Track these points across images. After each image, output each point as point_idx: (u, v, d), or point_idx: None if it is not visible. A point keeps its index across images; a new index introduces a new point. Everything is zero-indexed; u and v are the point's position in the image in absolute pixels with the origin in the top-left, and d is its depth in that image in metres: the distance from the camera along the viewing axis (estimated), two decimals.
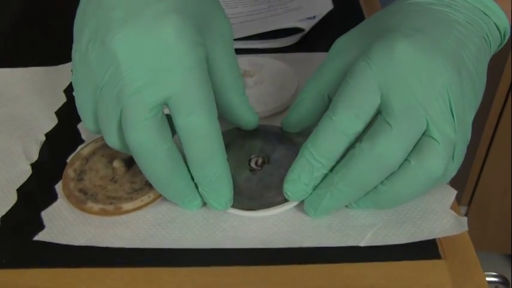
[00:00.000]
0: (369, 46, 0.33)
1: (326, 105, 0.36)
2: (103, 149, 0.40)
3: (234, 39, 0.38)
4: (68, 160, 0.40)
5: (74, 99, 0.35)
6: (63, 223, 0.36)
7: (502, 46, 0.38)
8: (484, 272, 0.33)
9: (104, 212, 0.36)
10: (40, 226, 0.36)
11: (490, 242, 1.15)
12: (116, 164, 0.38)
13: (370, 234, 0.34)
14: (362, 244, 0.34)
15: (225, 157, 0.34)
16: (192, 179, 0.35)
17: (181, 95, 0.32)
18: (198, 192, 0.35)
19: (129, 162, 0.38)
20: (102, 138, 0.40)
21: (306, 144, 0.34)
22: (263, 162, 0.38)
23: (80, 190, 0.37)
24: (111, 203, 0.36)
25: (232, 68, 0.37)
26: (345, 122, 0.32)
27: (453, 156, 0.33)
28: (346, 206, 0.36)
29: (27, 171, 0.40)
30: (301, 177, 0.34)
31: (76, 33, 0.35)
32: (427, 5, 0.35)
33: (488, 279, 0.33)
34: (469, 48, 0.34)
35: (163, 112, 0.33)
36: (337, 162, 0.33)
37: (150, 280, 0.33)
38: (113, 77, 0.32)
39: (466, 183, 1.09)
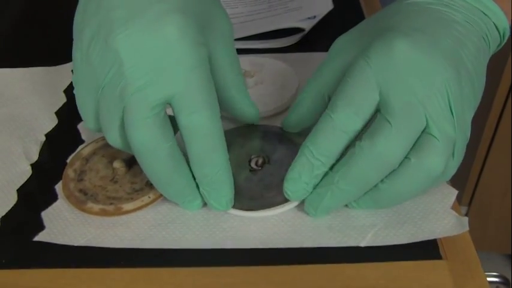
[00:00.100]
0: (368, 45, 0.33)
1: (326, 105, 0.36)
2: (103, 149, 0.40)
3: (235, 39, 0.38)
4: (68, 160, 0.40)
5: (74, 99, 0.35)
6: (63, 223, 0.36)
7: (501, 46, 0.38)
8: (485, 272, 0.33)
9: (104, 213, 0.36)
10: (40, 226, 0.36)
11: (490, 242, 1.15)
12: (116, 164, 0.38)
13: (370, 235, 0.34)
14: (363, 244, 0.34)
15: (227, 157, 0.34)
16: (194, 179, 0.35)
17: (184, 94, 0.32)
18: (199, 192, 0.35)
19: (130, 163, 0.38)
20: (102, 139, 0.40)
21: (305, 143, 0.34)
22: (263, 162, 0.38)
23: (80, 190, 0.37)
24: (111, 204, 0.36)
25: (234, 66, 0.37)
26: (344, 120, 0.33)
27: (453, 154, 0.33)
28: (346, 206, 0.36)
29: (27, 172, 0.40)
30: (301, 175, 0.34)
31: (76, 32, 0.35)
32: (426, 4, 0.35)
33: (489, 279, 0.33)
34: (468, 48, 0.34)
35: (165, 111, 0.33)
36: (337, 160, 0.33)
37: (151, 280, 0.33)
38: (115, 76, 0.32)
39: (466, 183, 1.09)
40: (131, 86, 0.32)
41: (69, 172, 0.38)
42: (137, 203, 0.36)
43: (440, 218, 0.35)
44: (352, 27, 0.39)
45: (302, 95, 0.38)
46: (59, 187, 0.38)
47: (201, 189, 0.35)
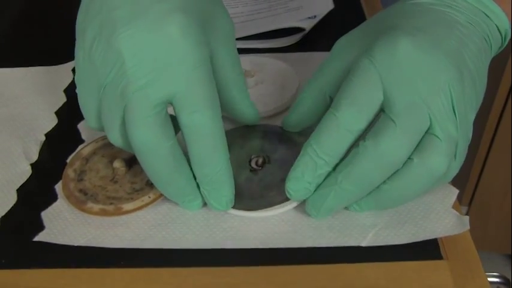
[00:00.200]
0: (372, 44, 0.33)
1: (327, 104, 0.36)
2: (103, 149, 0.40)
3: (235, 39, 0.38)
4: (68, 160, 0.40)
5: (74, 99, 0.35)
6: (63, 223, 0.36)
7: (502, 48, 0.38)
8: (485, 272, 0.33)
9: (104, 213, 0.35)
10: (40, 226, 0.35)
11: (490, 242, 1.15)
12: (116, 164, 0.38)
13: (371, 235, 0.34)
14: (363, 244, 0.34)
15: (228, 156, 0.34)
16: (194, 178, 0.35)
17: (186, 93, 0.32)
18: (199, 192, 0.35)
19: (130, 163, 0.38)
20: (102, 138, 0.40)
21: (309, 142, 0.34)
22: (264, 162, 0.38)
23: (80, 190, 0.37)
24: (111, 204, 0.36)
25: (235, 65, 0.37)
26: (349, 118, 0.32)
27: (455, 155, 0.33)
28: (346, 208, 0.35)
29: (27, 172, 0.40)
30: (304, 175, 0.33)
31: (79, 32, 0.35)
32: (428, 5, 0.35)
33: (489, 279, 0.33)
34: (470, 49, 0.34)
35: (167, 110, 0.33)
36: (340, 160, 0.33)
37: (151, 280, 0.33)
38: (117, 75, 0.32)
39: (467, 183, 1.09)
40: (133, 84, 0.32)
41: (69, 172, 0.38)
42: (137, 203, 0.36)
43: (441, 217, 0.35)
44: (352, 27, 0.39)
45: (303, 95, 0.38)
46: (58, 187, 0.38)
47: (201, 189, 0.35)
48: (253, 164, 0.38)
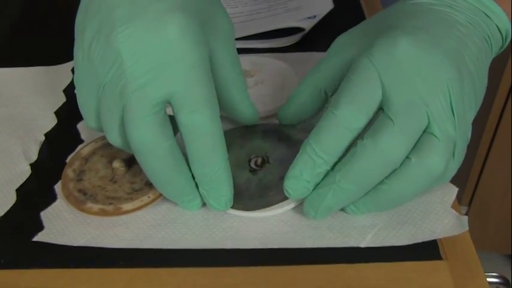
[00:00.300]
0: (371, 43, 0.33)
1: (323, 99, 0.37)
2: (103, 149, 0.40)
3: (234, 39, 0.38)
4: (68, 160, 0.40)
5: (73, 99, 0.35)
6: (63, 224, 0.36)
7: (503, 49, 0.38)
8: (485, 272, 0.33)
9: (103, 213, 0.35)
10: (39, 226, 0.35)
11: (490, 242, 1.14)
12: (116, 164, 0.38)
13: (370, 235, 0.34)
14: (363, 245, 0.34)
15: (226, 156, 0.34)
16: (193, 178, 0.35)
17: (184, 92, 0.32)
18: (199, 192, 0.35)
19: (129, 163, 0.38)
20: (101, 138, 0.40)
21: (308, 140, 0.34)
22: (263, 162, 0.38)
23: (79, 190, 0.37)
24: (110, 204, 0.36)
25: (235, 65, 0.37)
26: (348, 117, 0.32)
27: (453, 155, 0.33)
28: (342, 210, 0.35)
29: (27, 172, 0.40)
30: (303, 173, 0.33)
31: (78, 32, 0.35)
32: (428, 5, 0.35)
33: (489, 279, 0.33)
34: (470, 48, 0.34)
35: (165, 110, 0.33)
36: (339, 159, 0.33)
37: (150, 281, 0.33)
38: (116, 74, 0.32)
39: (467, 183, 1.09)
40: (132, 84, 0.32)
41: (69, 172, 0.38)
42: (136, 203, 0.36)
43: (441, 217, 0.35)
44: (352, 26, 0.39)
45: (299, 88, 0.38)
46: (58, 187, 0.38)
47: (200, 188, 0.35)
48: (252, 164, 0.38)
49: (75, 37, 0.35)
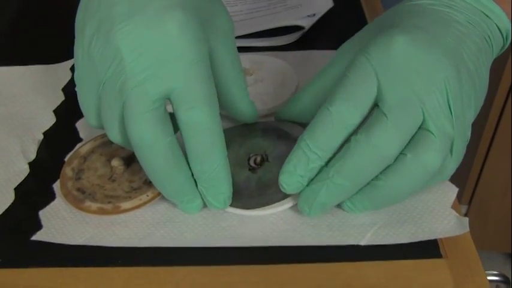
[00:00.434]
0: (369, 42, 0.33)
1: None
2: (101, 147, 0.40)
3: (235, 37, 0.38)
4: (66, 159, 0.40)
5: (72, 97, 0.35)
6: (61, 223, 0.36)
7: (504, 49, 0.38)
8: (485, 270, 0.33)
9: (102, 211, 0.35)
10: (38, 225, 0.35)
11: (490, 241, 1.14)
12: (115, 162, 0.38)
13: (370, 234, 0.34)
14: (362, 243, 0.34)
15: (225, 153, 0.34)
16: (193, 178, 0.35)
17: (184, 88, 0.32)
18: (199, 193, 0.35)
19: (128, 161, 0.38)
20: (100, 137, 0.40)
21: (302, 136, 0.34)
22: (262, 160, 0.38)
23: (78, 189, 0.37)
24: (109, 202, 0.36)
25: (235, 63, 0.38)
26: (342, 113, 0.32)
27: (451, 153, 0.33)
28: (338, 205, 0.35)
29: (25, 170, 0.39)
30: (296, 168, 0.33)
31: (78, 30, 0.35)
32: (428, 5, 0.36)
33: (489, 278, 0.33)
34: (469, 47, 0.34)
35: (165, 107, 0.33)
36: (334, 155, 0.33)
37: (149, 279, 0.32)
38: (116, 71, 0.32)
39: (467, 182, 1.09)
40: (131, 80, 0.32)
41: (67, 171, 0.38)
42: (135, 202, 0.36)
43: (441, 217, 0.35)
44: (352, 25, 0.39)
45: (299, 94, 0.39)
46: (56, 186, 0.38)
47: (199, 186, 0.35)
48: (251, 163, 0.38)
49: (75, 35, 0.35)
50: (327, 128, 0.33)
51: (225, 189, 0.34)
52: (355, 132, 0.33)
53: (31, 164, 0.40)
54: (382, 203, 0.34)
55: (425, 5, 0.36)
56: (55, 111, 0.45)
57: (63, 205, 0.37)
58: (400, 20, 0.35)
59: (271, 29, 0.52)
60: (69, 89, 0.47)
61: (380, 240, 0.34)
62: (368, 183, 0.33)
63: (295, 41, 0.52)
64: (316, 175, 0.34)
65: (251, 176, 0.37)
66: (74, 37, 0.35)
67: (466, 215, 0.35)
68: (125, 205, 0.36)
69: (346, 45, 0.38)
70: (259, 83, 0.46)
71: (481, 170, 1.07)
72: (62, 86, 0.47)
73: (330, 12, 0.54)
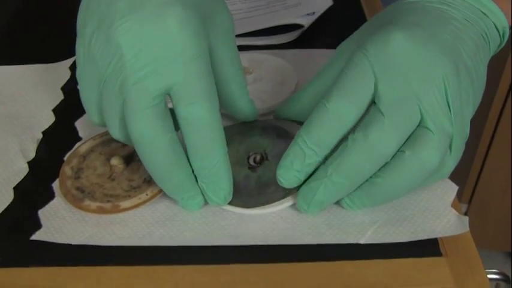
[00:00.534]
0: (366, 39, 0.33)
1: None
2: (101, 146, 0.39)
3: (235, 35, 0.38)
4: (65, 158, 0.39)
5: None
6: (61, 222, 0.36)
7: (501, 47, 0.38)
8: (485, 269, 0.33)
9: (101, 210, 0.35)
10: (37, 225, 0.35)
11: (490, 240, 1.14)
12: (114, 161, 0.38)
13: (370, 232, 0.34)
14: (362, 242, 0.34)
15: (226, 149, 0.34)
16: (194, 174, 0.34)
17: (183, 84, 0.32)
18: (200, 190, 0.35)
19: (127, 160, 0.38)
20: (100, 136, 0.40)
21: (299, 132, 0.34)
22: (262, 159, 0.38)
23: (77, 188, 0.37)
24: (108, 201, 0.36)
25: (235, 61, 0.38)
26: (339, 110, 0.32)
27: (450, 150, 0.33)
28: (338, 203, 0.35)
29: (24, 169, 0.39)
30: (293, 164, 0.34)
31: (79, 28, 0.35)
32: (425, 3, 0.36)
33: (489, 276, 0.33)
34: (467, 44, 0.34)
35: (166, 103, 0.33)
36: (331, 153, 0.33)
37: (148, 278, 0.32)
38: (116, 68, 0.32)
39: (467, 181, 1.09)
40: (131, 77, 0.32)
41: (66, 170, 0.38)
42: (135, 201, 0.36)
43: (441, 216, 0.35)
44: (351, 23, 0.39)
45: (299, 94, 0.39)
46: (56, 185, 0.38)
47: (199, 182, 0.34)
48: (251, 161, 0.38)
49: (77, 35, 0.35)
50: (324, 125, 0.33)
51: (225, 185, 0.34)
52: (352, 130, 0.33)
53: (30, 163, 0.40)
54: (381, 200, 0.34)
55: (423, 2, 0.36)
56: (54, 110, 0.45)
57: (62, 204, 0.37)
58: (398, 17, 0.35)
59: (270, 28, 0.52)
60: (69, 88, 0.47)
61: (380, 239, 0.34)
62: (367, 180, 0.33)
63: (295, 40, 0.52)
64: (314, 172, 0.34)
65: (250, 175, 0.37)
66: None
67: (466, 213, 0.35)
68: (124, 204, 0.35)
69: (344, 44, 0.38)
70: (258, 82, 0.45)
71: (481, 169, 1.07)
72: (61, 85, 0.47)
73: (329, 10, 0.54)
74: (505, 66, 0.92)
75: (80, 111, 0.44)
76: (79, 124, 0.43)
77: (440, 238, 0.34)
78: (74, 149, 0.40)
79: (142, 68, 0.32)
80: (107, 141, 0.40)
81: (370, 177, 0.33)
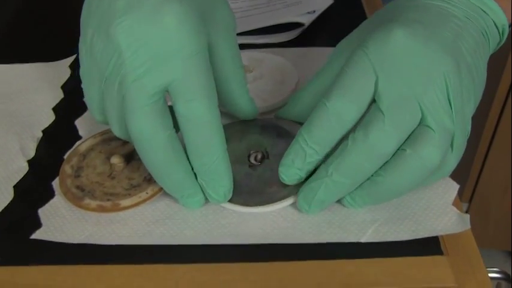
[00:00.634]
0: (367, 37, 0.33)
1: None
2: (101, 145, 0.39)
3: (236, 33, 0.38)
4: (65, 156, 0.39)
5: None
6: (61, 221, 0.35)
7: (501, 45, 0.38)
8: (486, 267, 0.33)
9: (101, 209, 0.35)
10: (37, 223, 0.35)
11: (490, 238, 1.14)
12: (114, 160, 0.37)
13: (371, 231, 0.34)
14: (363, 240, 0.34)
15: (225, 146, 0.34)
16: (194, 172, 0.34)
17: (182, 81, 0.32)
18: (200, 187, 0.35)
19: (127, 158, 0.38)
20: (100, 134, 0.40)
21: (300, 130, 0.34)
22: (262, 158, 0.38)
23: (77, 187, 0.37)
24: (108, 200, 0.36)
25: (235, 59, 0.37)
26: (340, 108, 0.32)
27: (452, 148, 0.33)
28: (339, 201, 0.35)
29: (24, 168, 0.39)
30: (294, 162, 0.34)
31: (82, 27, 0.35)
32: (426, 0, 0.36)
33: (490, 275, 0.33)
34: (467, 41, 0.34)
35: (165, 100, 0.33)
36: (332, 151, 0.33)
37: (148, 277, 0.32)
38: (116, 66, 0.32)
39: (467, 180, 1.09)
40: (131, 74, 0.32)
41: (66, 168, 0.38)
42: (135, 199, 0.36)
43: (442, 214, 0.35)
44: (352, 21, 0.39)
45: (299, 94, 0.39)
46: (55, 183, 0.38)
47: (199, 179, 0.34)
48: (252, 160, 0.38)
49: (81, 32, 0.35)
50: (324, 124, 0.33)
51: (225, 182, 0.34)
52: (353, 129, 0.33)
53: (30, 162, 0.40)
54: (382, 198, 0.34)
55: (423, 0, 0.36)
56: (54, 109, 0.45)
57: (62, 203, 0.36)
58: (398, 14, 0.35)
59: (270, 26, 0.52)
60: (69, 87, 0.47)
61: (381, 237, 0.34)
62: (368, 179, 0.33)
63: (295, 38, 0.52)
64: (315, 170, 0.34)
65: (251, 173, 0.37)
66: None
67: (466, 212, 0.34)
68: (125, 202, 0.35)
69: (344, 42, 0.38)
70: (258, 80, 0.45)
71: (482, 168, 1.07)
72: (62, 83, 0.47)
73: (329, 9, 0.54)
74: (505, 65, 0.92)
75: (80, 110, 0.44)
76: (79, 123, 0.43)
77: (441, 236, 0.34)
78: (74, 147, 0.40)
79: (141, 66, 0.32)
80: (107, 140, 0.40)
81: (372, 175, 0.33)
